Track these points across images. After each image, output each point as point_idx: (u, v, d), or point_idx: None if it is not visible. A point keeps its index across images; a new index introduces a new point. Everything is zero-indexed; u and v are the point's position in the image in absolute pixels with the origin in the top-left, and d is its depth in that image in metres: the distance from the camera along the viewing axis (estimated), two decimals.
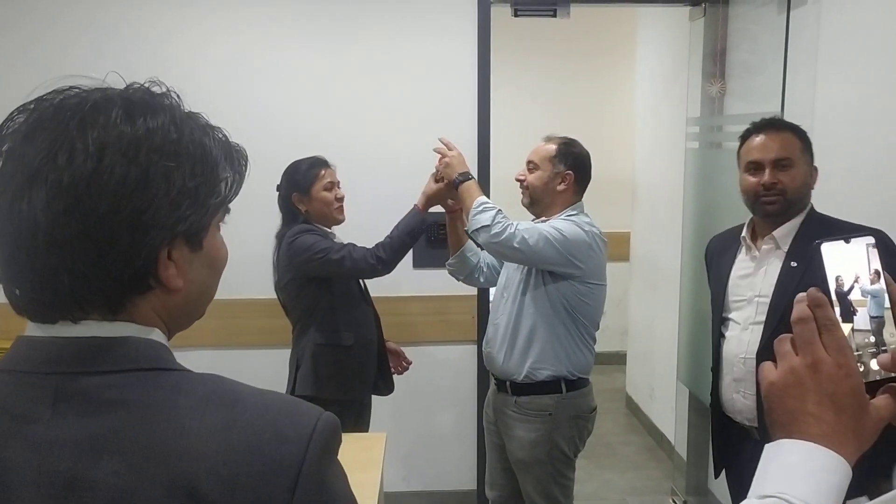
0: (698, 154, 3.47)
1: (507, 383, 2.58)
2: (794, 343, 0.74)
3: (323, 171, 2.64)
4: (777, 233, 2.12)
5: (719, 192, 3.21)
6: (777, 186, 2.07)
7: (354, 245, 2.62)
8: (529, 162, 2.59)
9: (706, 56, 3.38)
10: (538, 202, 2.58)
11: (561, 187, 2.53)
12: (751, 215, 2.23)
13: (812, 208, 2.15)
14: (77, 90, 0.74)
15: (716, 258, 2.36)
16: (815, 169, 2.15)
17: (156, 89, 0.77)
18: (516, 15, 3.34)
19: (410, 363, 3.03)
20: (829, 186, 2.59)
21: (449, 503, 3.57)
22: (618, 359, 5.27)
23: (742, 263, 2.22)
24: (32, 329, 0.73)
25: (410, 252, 2.92)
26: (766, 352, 2.05)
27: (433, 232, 3.26)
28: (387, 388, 2.89)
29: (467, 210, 2.43)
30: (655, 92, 4.53)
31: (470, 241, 2.73)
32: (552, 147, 2.55)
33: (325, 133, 3.28)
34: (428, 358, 3.49)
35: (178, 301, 0.76)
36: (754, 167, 2.13)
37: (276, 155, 2.67)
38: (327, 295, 2.67)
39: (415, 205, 2.66)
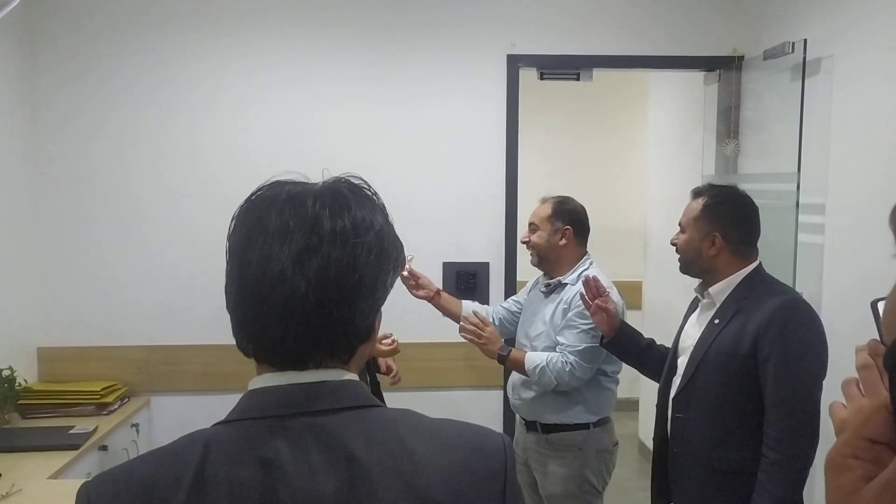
0: None
1: (537, 423, 2.75)
2: (859, 386, 0.90)
3: None
4: (712, 290, 2.25)
5: None
6: (676, 247, 2.33)
7: None
8: (531, 224, 2.81)
9: (720, 118, 3.58)
10: (545, 260, 2.79)
11: (562, 242, 2.75)
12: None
13: (755, 270, 2.22)
14: (303, 183, 0.92)
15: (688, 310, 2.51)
16: (717, 237, 2.20)
17: (358, 182, 0.95)
18: (542, 78, 3.53)
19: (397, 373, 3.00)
20: (842, 244, 2.75)
21: None
22: (629, 405, 5.36)
23: (693, 315, 2.38)
24: (265, 380, 0.87)
25: None
26: (679, 397, 2.21)
27: (462, 282, 3.40)
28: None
29: (521, 371, 2.68)
30: (668, 149, 4.75)
31: (464, 308, 2.94)
32: (548, 207, 2.78)
33: None
34: (454, 403, 3.61)
35: (369, 348, 0.94)
36: None
37: None
38: None
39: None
